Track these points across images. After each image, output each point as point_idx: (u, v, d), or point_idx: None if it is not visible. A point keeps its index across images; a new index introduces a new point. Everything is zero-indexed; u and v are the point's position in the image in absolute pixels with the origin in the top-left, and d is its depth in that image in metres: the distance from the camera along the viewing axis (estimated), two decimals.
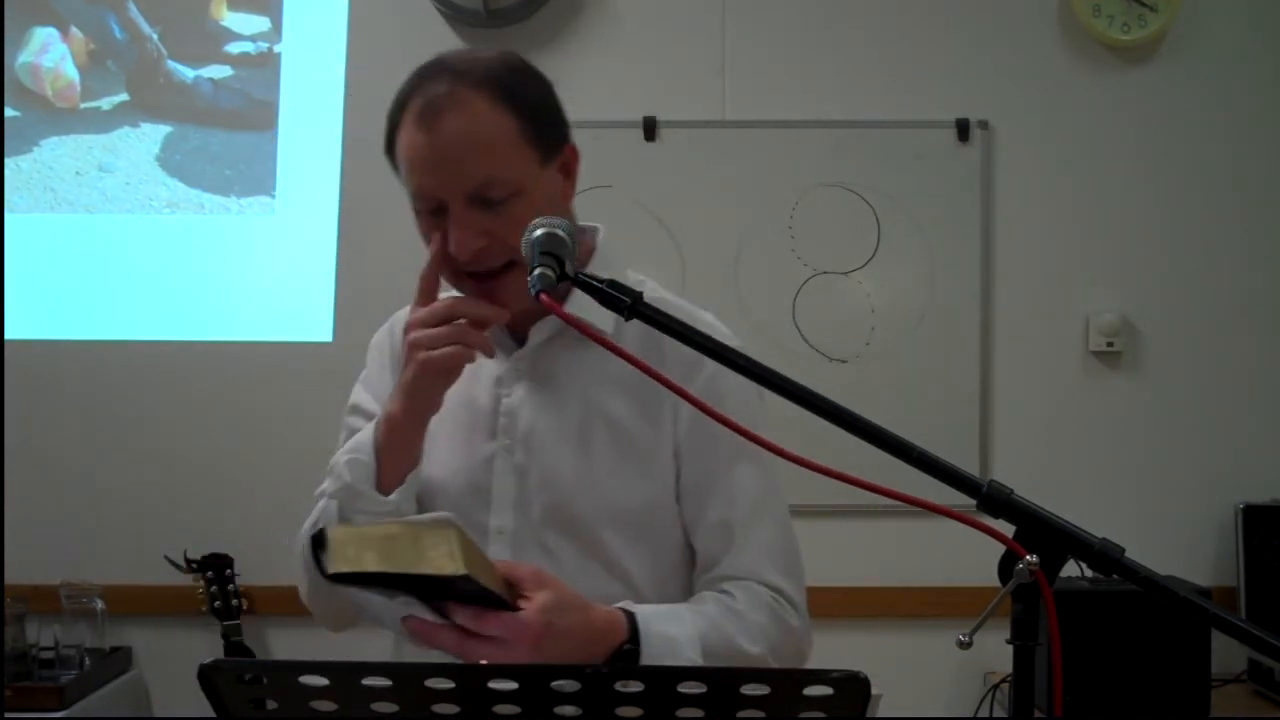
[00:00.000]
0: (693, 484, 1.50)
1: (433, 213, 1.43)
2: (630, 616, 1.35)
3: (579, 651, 1.28)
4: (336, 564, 1.15)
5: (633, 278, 1.58)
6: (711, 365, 1.44)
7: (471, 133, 1.40)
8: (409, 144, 1.42)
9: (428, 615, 1.21)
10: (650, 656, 1.32)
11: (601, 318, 1.44)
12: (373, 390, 1.62)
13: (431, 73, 1.44)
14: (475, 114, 1.41)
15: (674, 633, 1.36)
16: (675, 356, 1.41)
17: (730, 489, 1.50)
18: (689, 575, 1.53)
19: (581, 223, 1.57)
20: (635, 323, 1.35)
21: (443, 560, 1.13)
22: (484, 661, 1.19)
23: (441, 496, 1.51)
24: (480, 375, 1.52)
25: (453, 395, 1.48)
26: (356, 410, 1.62)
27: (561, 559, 1.47)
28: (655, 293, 1.55)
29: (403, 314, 1.59)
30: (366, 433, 1.47)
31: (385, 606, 1.23)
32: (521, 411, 1.51)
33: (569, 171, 1.51)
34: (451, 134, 1.40)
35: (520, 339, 1.54)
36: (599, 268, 1.52)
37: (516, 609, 1.23)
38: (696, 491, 1.50)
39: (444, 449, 1.52)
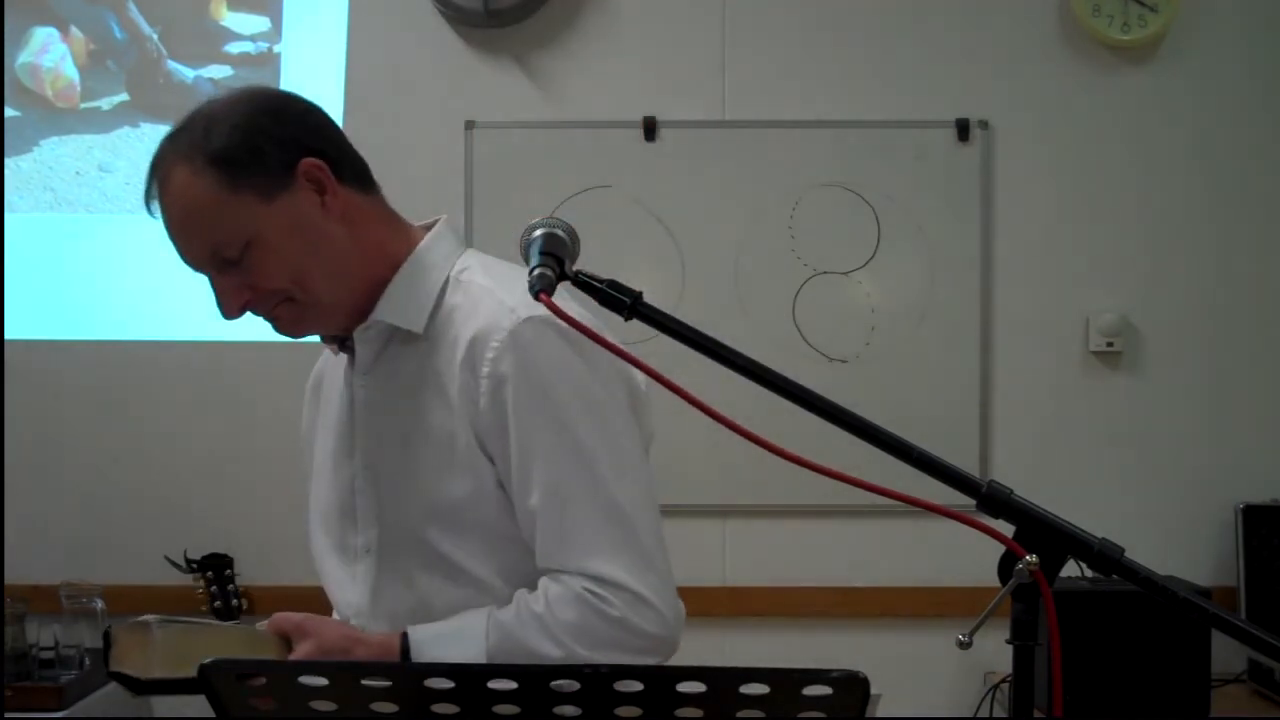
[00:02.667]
0: (506, 472, 1.43)
1: (206, 275, 1.45)
2: (404, 639, 1.37)
3: None
4: (120, 664, 1.23)
5: (459, 265, 1.53)
6: (489, 358, 1.42)
7: (178, 209, 1.42)
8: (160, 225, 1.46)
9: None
10: None
11: (411, 320, 1.47)
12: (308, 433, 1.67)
13: (157, 150, 1.47)
14: (175, 189, 1.42)
15: (453, 654, 1.35)
16: (458, 350, 1.44)
17: (538, 476, 1.40)
18: (531, 564, 1.45)
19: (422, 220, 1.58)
20: (444, 318, 1.43)
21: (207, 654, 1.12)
22: None
23: (324, 525, 1.56)
24: (340, 399, 1.56)
25: (327, 421, 1.56)
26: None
27: (412, 573, 1.46)
28: (473, 276, 1.50)
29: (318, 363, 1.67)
30: None
31: None
32: (368, 428, 1.51)
33: (320, 184, 1.44)
34: (168, 213, 1.43)
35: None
36: (404, 279, 1.50)
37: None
38: (511, 480, 1.42)
39: (323, 476, 1.57)
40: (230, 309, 1.43)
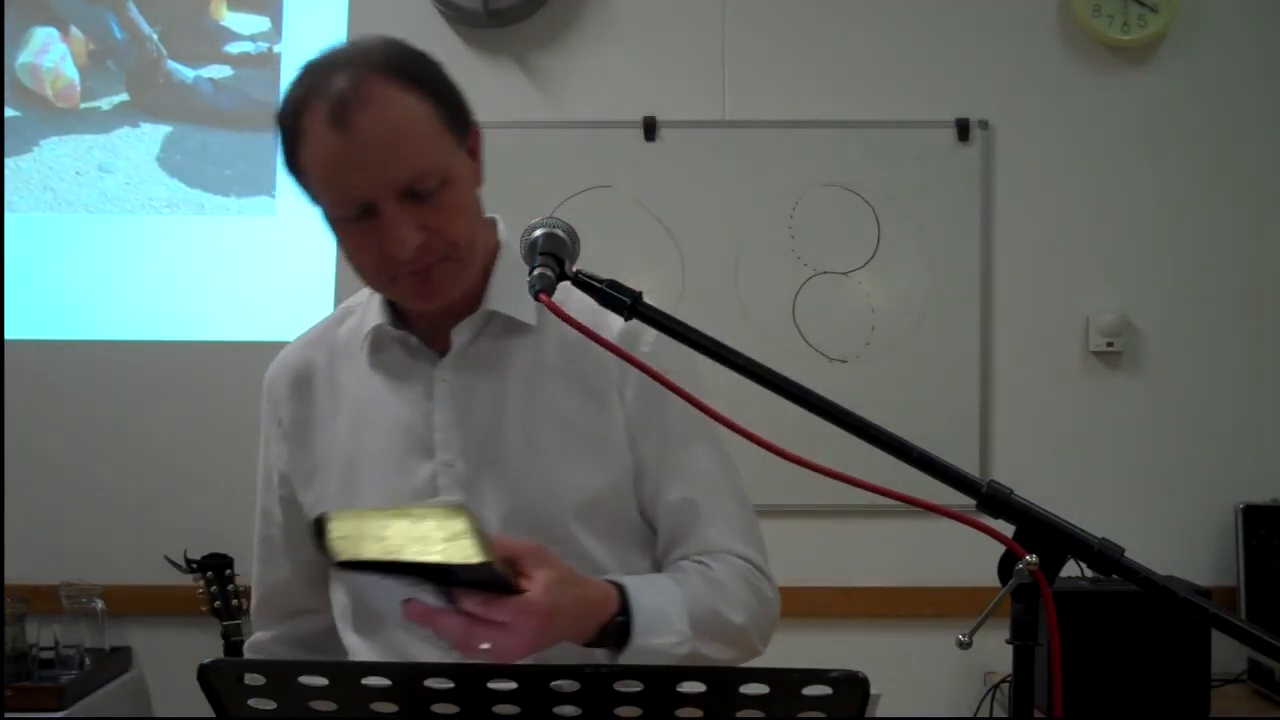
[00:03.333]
0: (650, 464, 1.45)
1: (358, 219, 1.34)
2: (621, 589, 1.31)
3: (575, 628, 1.25)
4: (341, 552, 1.11)
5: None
6: (646, 345, 1.43)
7: (392, 125, 1.32)
8: (322, 150, 1.33)
9: (429, 599, 1.17)
10: (641, 629, 1.29)
11: (524, 312, 1.43)
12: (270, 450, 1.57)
13: (324, 70, 1.34)
14: (390, 104, 1.32)
15: (663, 604, 1.33)
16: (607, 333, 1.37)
17: (689, 466, 1.46)
18: (650, 555, 1.49)
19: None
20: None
21: (459, 549, 1.11)
22: (485, 646, 1.15)
23: None
24: (407, 391, 1.47)
25: (380, 415, 1.46)
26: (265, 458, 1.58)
27: None
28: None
29: (284, 357, 1.57)
30: None
31: (387, 592, 1.18)
32: (458, 423, 1.44)
33: (475, 154, 1.44)
34: (371, 130, 1.31)
35: (444, 346, 1.46)
36: (508, 267, 1.46)
37: (519, 590, 1.18)
38: (654, 471, 1.45)
39: (375, 475, 1.45)
40: (404, 244, 1.32)
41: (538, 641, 1.18)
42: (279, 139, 1.39)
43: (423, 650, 1.38)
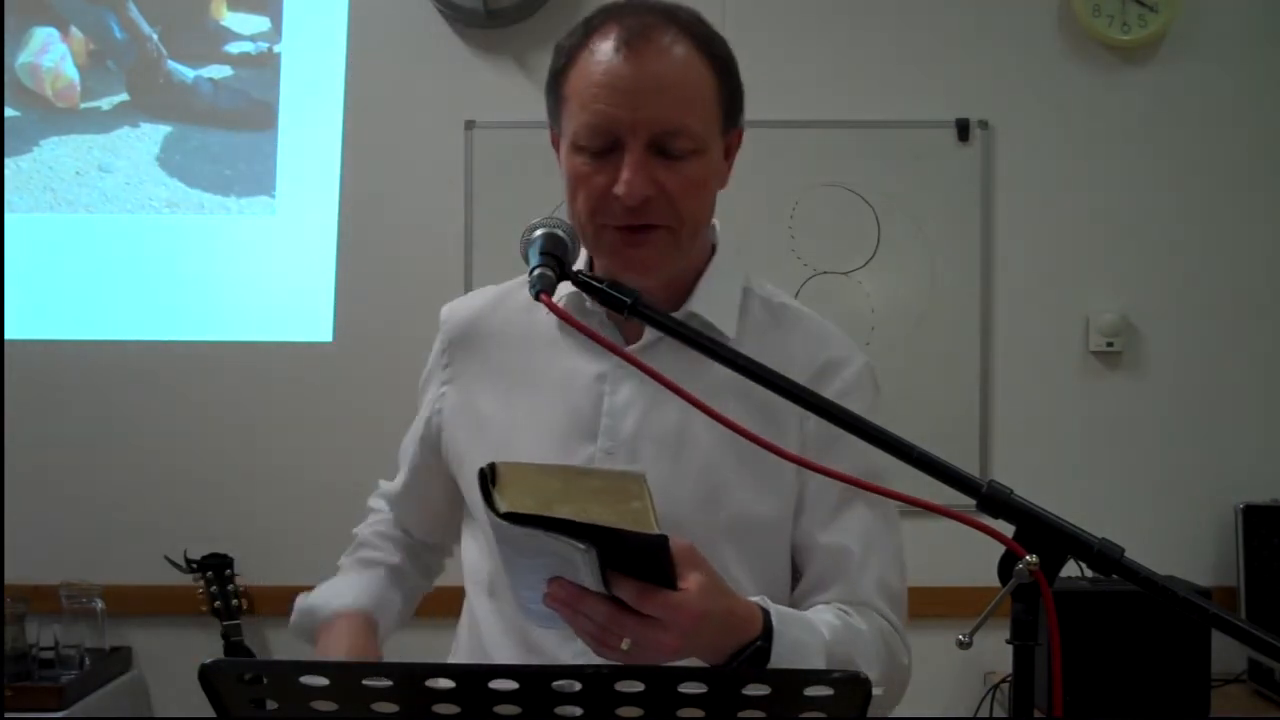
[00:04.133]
0: (813, 500, 1.41)
1: (599, 153, 1.32)
2: (766, 614, 1.23)
3: (717, 640, 1.18)
4: (515, 503, 1.04)
5: (745, 277, 1.51)
6: (840, 384, 1.41)
7: (676, 73, 1.32)
8: (602, 69, 1.31)
9: (585, 578, 1.09)
10: (779, 659, 1.22)
11: (725, 322, 1.41)
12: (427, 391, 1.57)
13: (632, 7, 1.36)
14: (684, 57, 1.33)
15: (804, 639, 1.25)
16: (798, 368, 1.35)
17: (853, 513, 1.41)
18: (788, 592, 1.44)
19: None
20: (753, 330, 1.31)
21: (636, 517, 1.05)
22: (625, 646, 1.10)
23: None
24: (579, 372, 1.43)
25: (548, 391, 1.42)
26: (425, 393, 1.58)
27: None
28: (784, 299, 1.51)
29: (469, 300, 1.56)
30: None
31: (537, 563, 1.11)
32: (628, 413, 1.41)
33: (731, 153, 1.43)
34: (658, 68, 1.31)
35: (632, 333, 1.43)
36: (718, 272, 1.46)
37: (675, 583, 1.11)
38: (817, 509, 1.41)
39: (534, 446, 1.41)
40: (634, 189, 1.30)
41: (684, 645, 1.12)
42: (555, 56, 1.39)
43: (545, 636, 1.36)
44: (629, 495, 1.07)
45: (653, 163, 1.31)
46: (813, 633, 1.27)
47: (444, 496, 1.56)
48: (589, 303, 1.38)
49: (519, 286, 1.51)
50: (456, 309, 1.56)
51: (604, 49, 1.32)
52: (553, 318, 1.42)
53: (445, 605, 1.64)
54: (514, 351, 1.48)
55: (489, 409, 1.47)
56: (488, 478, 1.07)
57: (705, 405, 1.16)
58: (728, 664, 1.20)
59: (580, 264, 1.39)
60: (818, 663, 1.25)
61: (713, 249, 1.49)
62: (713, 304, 1.43)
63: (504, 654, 1.42)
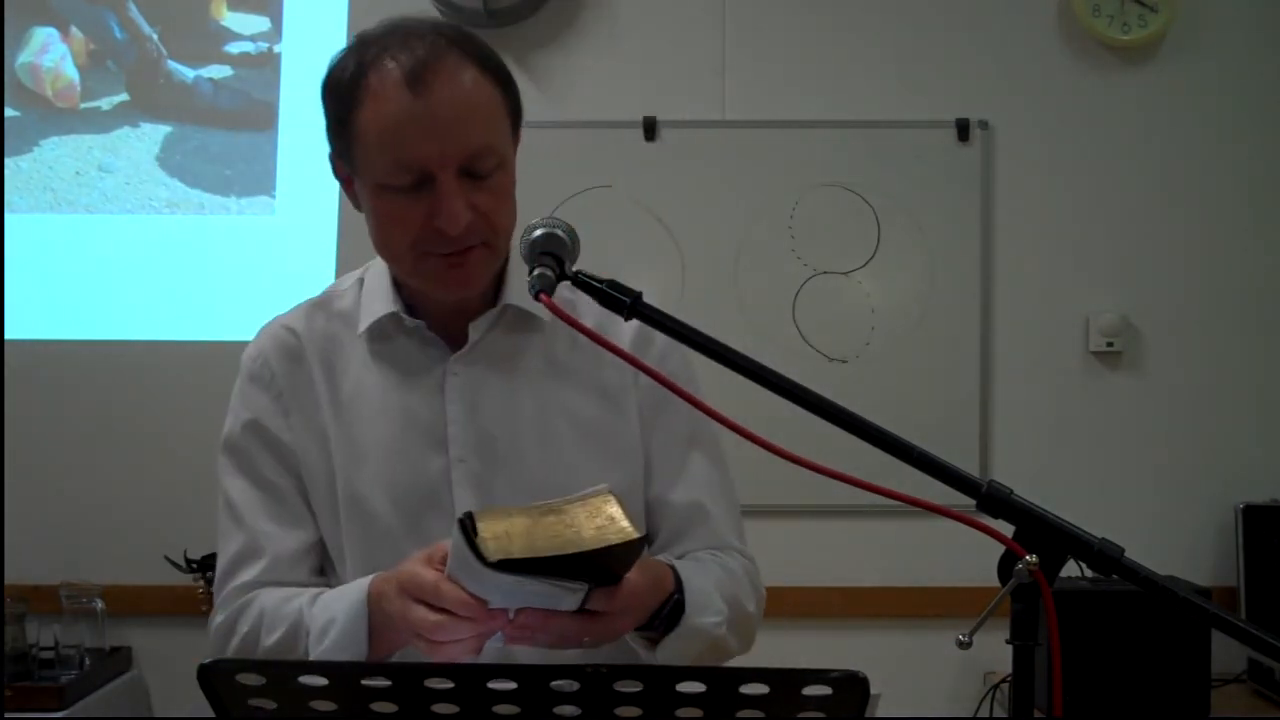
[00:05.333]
0: (660, 461, 1.48)
1: (409, 189, 1.33)
2: (672, 569, 1.35)
3: (648, 607, 1.28)
4: (495, 552, 1.09)
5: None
6: (656, 348, 1.46)
7: (468, 98, 1.33)
8: (395, 109, 1.31)
9: (566, 602, 1.15)
10: (694, 606, 1.32)
11: (539, 308, 1.38)
12: (264, 415, 1.51)
13: (399, 36, 1.34)
14: (469, 79, 1.34)
15: (705, 584, 1.36)
16: (620, 341, 1.40)
17: (693, 468, 1.49)
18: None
19: None
20: (569, 310, 1.28)
21: (615, 530, 1.12)
22: (587, 640, 1.18)
23: (388, 516, 1.40)
24: (416, 383, 1.44)
25: (385, 405, 1.42)
26: (255, 429, 1.52)
27: None
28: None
29: (272, 331, 1.51)
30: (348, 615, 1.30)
31: (519, 598, 1.15)
32: (472, 419, 1.42)
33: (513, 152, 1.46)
34: (448, 98, 1.31)
35: (453, 340, 1.44)
36: (518, 263, 1.44)
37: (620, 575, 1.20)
38: (664, 468, 1.49)
39: (382, 466, 1.42)
40: (456, 219, 1.31)
41: (634, 622, 1.23)
42: (332, 97, 1.37)
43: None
44: (602, 511, 1.14)
45: (465, 187, 1.33)
46: (706, 577, 1.38)
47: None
48: (407, 321, 1.44)
49: (317, 307, 1.53)
50: (263, 341, 1.54)
51: (389, 86, 1.31)
52: (362, 336, 1.46)
53: None
54: (337, 373, 1.47)
55: (330, 432, 1.45)
56: (468, 527, 1.12)
57: (701, 401, 1.17)
58: (650, 622, 1.29)
59: (385, 284, 1.46)
60: (720, 603, 1.36)
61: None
62: (520, 293, 1.42)
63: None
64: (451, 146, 1.31)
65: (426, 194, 1.33)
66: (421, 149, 1.31)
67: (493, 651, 1.21)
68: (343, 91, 1.35)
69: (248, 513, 1.47)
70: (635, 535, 1.12)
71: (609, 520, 1.12)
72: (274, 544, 1.45)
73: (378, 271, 1.50)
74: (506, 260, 1.47)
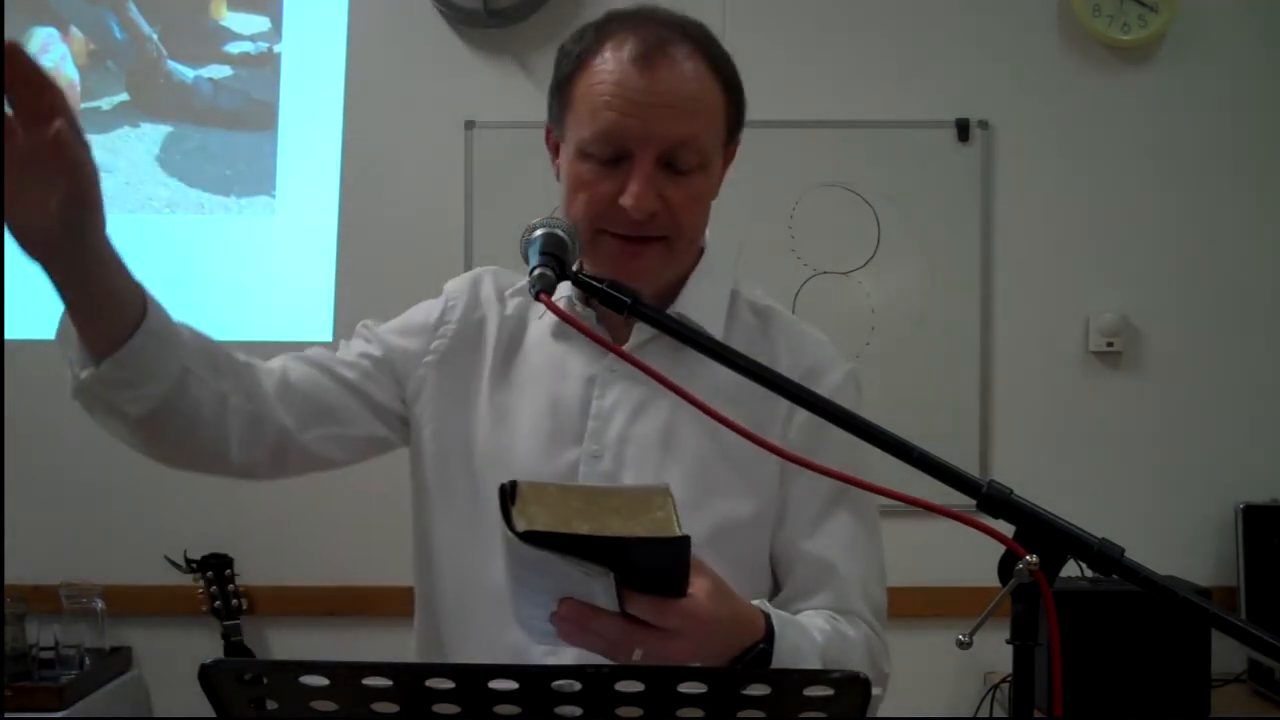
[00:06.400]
0: (797, 509, 1.42)
1: (606, 161, 1.33)
2: (766, 617, 1.23)
3: (725, 645, 1.17)
4: (534, 521, 1.04)
5: (745, 288, 1.52)
6: (828, 387, 1.41)
7: (690, 90, 1.33)
8: (616, 79, 1.32)
9: (599, 598, 1.09)
10: (779, 661, 1.21)
11: (711, 324, 1.41)
12: (404, 336, 1.52)
13: (645, 17, 1.37)
14: (696, 72, 1.34)
15: (801, 643, 1.25)
16: (788, 370, 1.34)
17: (836, 520, 1.42)
18: (766, 596, 1.40)
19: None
20: (740, 333, 1.30)
21: (665, 524, 1.05)
22: (637, 657, 1.09)
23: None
24: (568, 373, 1.44)
25: (538, 393, 1.42)
26: (377, 336, 1.53)
27: None
28: (770, 303, 1.51)
29: (491, 277, 1.51)
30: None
31: (550, 582, 1.10)
32: (615, 416, 1.41)
33: (726, 165, 1.45)
34: (673, 83, 1.32)
35: (614, 337, 1.42)
36: (705, 274, 1.46)
37: (684, 591, 1.11)
38: (800, 518, 1.42)
39: (523, 452, 1.41)
40: (641, 201, 1.31)
41: (696, 652, 1.11)
42: (563, 60, 1.39)
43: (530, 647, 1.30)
44: (651, 507, 1.08)
45: (660, 176, 1.33)
46: (808, 637, 1.27)
47: (350, 414, 1.49)
48: (579, 306, 1.41)
49: (515, 282, 1.52)
50: (464, 283, 1.53)
51: (618, 58, 1.33)
52: (546, 319, 1.44)
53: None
54: (506, 348, 1.48)
55: (474, 401, 1.46)
56: (508, 495, 1.07)
57: (699, 400, 1.15)
58: (730, 666, 1.19)
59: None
60: (813, 666, 1.24)
61: (700, 252, 1.49)
62: (699, 307, 1.43)
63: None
64: (656, 129, 1.32)
65: (621, 172, 1.33)
66: (627, 124, 1.32)
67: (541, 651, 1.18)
68: (573, 55, 1.38)
69: (342, 347, 1.56)
70: (666, 535, 1.05)
71: (650, 514, 1.07)
72: (339, 365, 1.53)
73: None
74: (692, 269, 1.45)
